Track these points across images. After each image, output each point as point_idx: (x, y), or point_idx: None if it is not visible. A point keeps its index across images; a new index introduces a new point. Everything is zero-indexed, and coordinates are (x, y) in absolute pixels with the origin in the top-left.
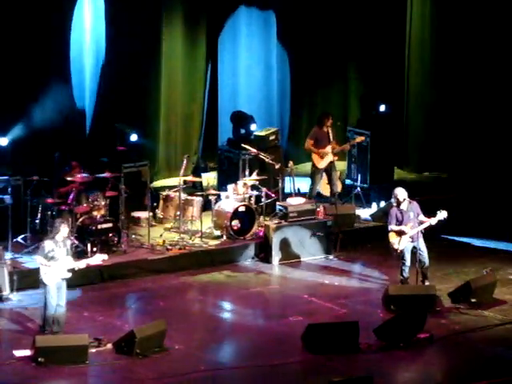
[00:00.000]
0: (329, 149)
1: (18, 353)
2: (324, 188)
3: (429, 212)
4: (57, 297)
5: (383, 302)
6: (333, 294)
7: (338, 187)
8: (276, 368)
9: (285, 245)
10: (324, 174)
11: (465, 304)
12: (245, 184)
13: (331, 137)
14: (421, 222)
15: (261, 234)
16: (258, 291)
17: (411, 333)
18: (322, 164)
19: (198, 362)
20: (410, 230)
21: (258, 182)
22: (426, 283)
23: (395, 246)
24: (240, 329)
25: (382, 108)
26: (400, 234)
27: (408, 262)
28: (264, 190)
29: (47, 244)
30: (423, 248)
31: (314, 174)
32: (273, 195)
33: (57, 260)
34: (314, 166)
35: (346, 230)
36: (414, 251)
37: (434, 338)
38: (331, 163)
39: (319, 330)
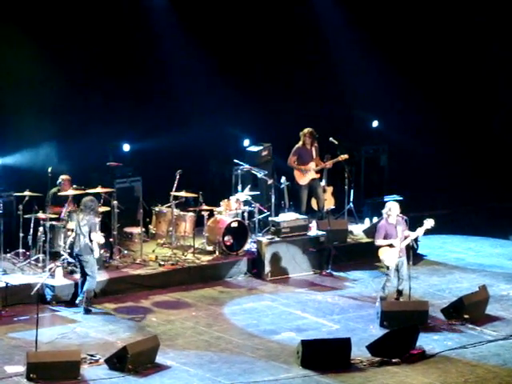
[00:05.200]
0: (311, 166)
1: (10, 369)
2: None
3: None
4: None
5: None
6: (325, 309)
7: (329, 202)
8: None
9: (277, 260)
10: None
11: (458, 320)
12: (237, 200)
13: (314, 154)
14: (406, 237)
15: (253, 249)
16: (251, 307)
17: (404, 349)
18: (304, 181)
19: (190, 378)
20: (398, 243)
21: (250, 198)
22: (401, 299)
23: (386, 263)
24: (232, 345)
25: (375, 124)
26: (389, 247)
27: (392, 278)
28: (257, 205)
29: (96, 220)
30: (405, 264)
31: (298, 191)
32: (265, 211)
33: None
34: (296, 183)
35: (338, 246)
36: (399, 268)
37: (427, 354)
38: (314, 180)
39: (312, 346)
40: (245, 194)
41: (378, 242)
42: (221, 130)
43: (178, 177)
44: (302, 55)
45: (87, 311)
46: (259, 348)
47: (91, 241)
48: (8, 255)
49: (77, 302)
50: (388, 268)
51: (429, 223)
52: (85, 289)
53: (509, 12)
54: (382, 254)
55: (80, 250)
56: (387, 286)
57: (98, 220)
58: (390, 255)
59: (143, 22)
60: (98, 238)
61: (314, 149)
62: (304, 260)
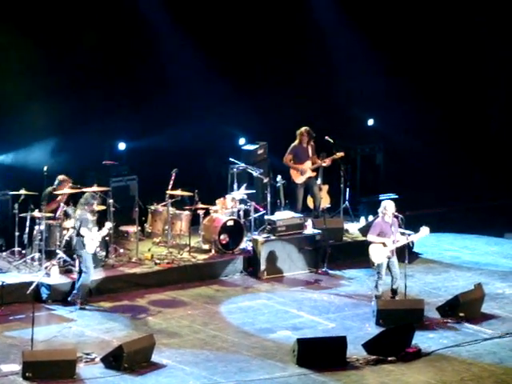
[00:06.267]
0: (307, 165)
1: (6, 367)
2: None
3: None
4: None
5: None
6: (321, 308)
7: (324, 201)
8: (264, 383)
9: (273, 259)
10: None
11: (453, 318)
12: (233, 198)
13: (310, 153)
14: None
15: (249, 248)
16: (247, 305)
17: (400, 347)
18: (300, 179)
19: (186, 376)
20: (391, 243)
21: (246, 196)
22: (396, 298)
23: (372, 259)
24: (228, 343)
25: (370, 122)
26: (381, 245)
27: (383, 278)
28: (252, 204)
29: (88, 215)
30: (396, 263)
31: (294, 190)
32: (261, 209)
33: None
34: (292, 181)
35: (334, 244)
36: (391, 267)
37: (422, 352)
38: (310, 178)
39: (308, 345)
40: (240, 193)
41: (370, 237)
42: (217, 128)
43: (173, 175)
44: (299, 54)
45: (81, 308)
46: (255, 346)
47: (82, 236)
48: (4, 254)
49: (69, 299)
50: (373, 264)
51: (424, 231)
52: (78, 284)
53: (509, 12)
54: (372, 249)
55: (74, 245)
56: (380, 285)
57: (91, 217)
58: (379, 252)
59: (141, 21)
60: (90, 234)
61: (310, 147)
62: (300, 258)
